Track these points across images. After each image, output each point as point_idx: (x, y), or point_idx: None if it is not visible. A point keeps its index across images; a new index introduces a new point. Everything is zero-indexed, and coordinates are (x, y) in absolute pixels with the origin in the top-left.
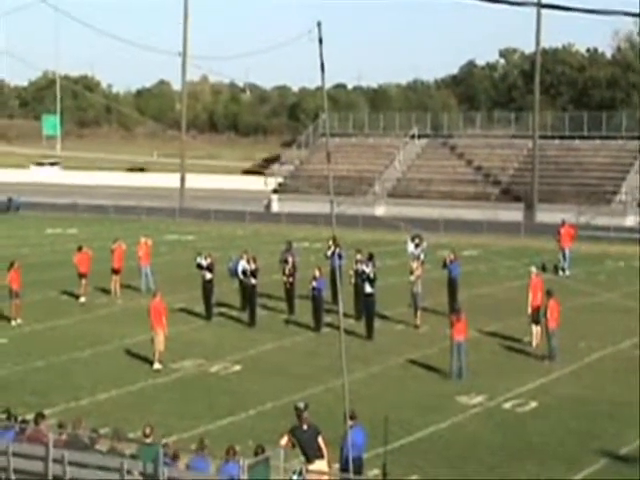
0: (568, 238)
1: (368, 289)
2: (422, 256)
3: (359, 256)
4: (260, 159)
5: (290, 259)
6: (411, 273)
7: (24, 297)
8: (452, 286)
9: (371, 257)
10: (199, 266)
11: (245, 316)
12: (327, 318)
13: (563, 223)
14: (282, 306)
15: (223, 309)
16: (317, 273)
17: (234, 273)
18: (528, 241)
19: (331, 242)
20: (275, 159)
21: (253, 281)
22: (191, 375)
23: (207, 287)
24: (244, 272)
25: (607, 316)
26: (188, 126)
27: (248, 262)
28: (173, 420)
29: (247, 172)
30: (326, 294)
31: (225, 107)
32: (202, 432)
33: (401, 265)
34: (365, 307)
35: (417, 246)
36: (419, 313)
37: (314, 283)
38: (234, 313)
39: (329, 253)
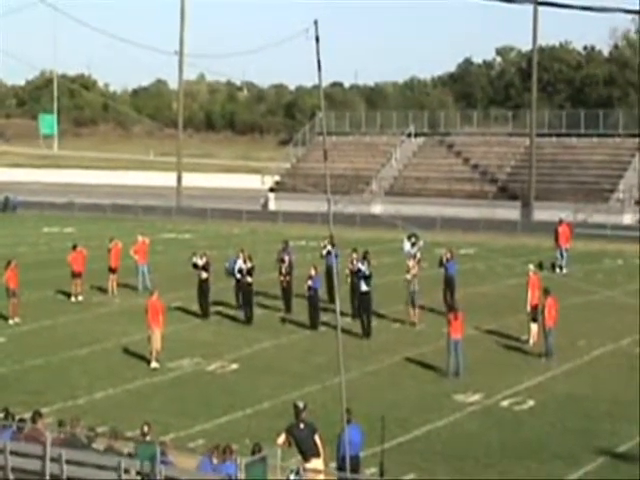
0: (565, 237)
1: (364, 287)
2: (418, 254)
3: (355, 255)
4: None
5: (286, 258)
6: (407, 272)
7: (21, 296)
8: (449, 284)
9: (365, 255)
10: (195, 266)
11: (242, 315)
12: (323, 317)
13: (561, 221)
14: (278, 305)
15: (220, 308)
16: (313, 272)
17: (231, 272)
18: (525, 239)
19: (326, 241)
20: None
21: (249, 279)
22: (188, 374)
23: (203, 287)
24: (240, 271)
25: (605, 314)
26: (185, 125)
27: (244, 261)
28: (170, 418)
29: None
30: (322, 292)
31: (222, 106)
32: (199, 431)
33: (398, 263)
34: (361, 305)
35: (413, 245)
36: (416, 311)
37: (310, 282)
38: (231, 312)
39: (324, 252)
